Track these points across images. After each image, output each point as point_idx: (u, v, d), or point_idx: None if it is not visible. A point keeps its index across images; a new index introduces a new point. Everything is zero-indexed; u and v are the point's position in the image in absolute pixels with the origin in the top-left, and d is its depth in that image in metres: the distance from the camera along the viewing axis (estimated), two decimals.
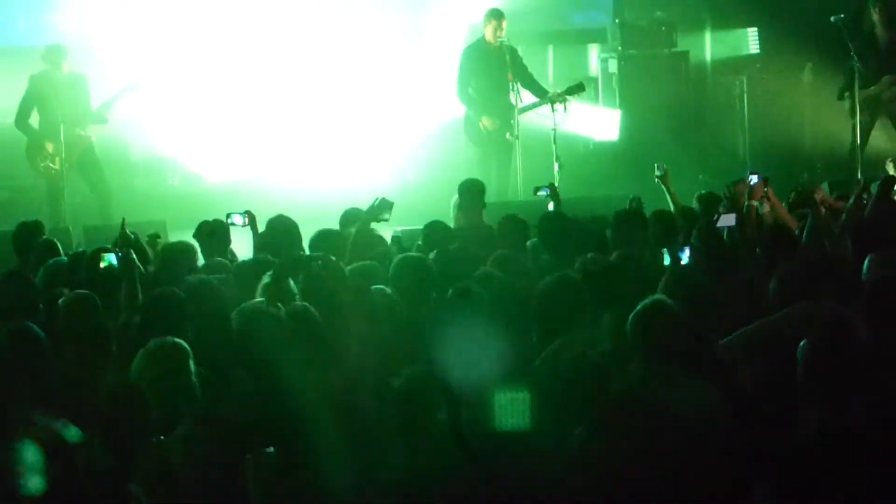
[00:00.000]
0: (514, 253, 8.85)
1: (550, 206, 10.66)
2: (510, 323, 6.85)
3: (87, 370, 6.42)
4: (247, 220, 9.63)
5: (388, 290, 7.58)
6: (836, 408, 5.48)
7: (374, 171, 15.45)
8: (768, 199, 9.61)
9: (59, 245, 9.29)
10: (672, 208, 10.33)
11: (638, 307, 6.17)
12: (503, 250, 8.80)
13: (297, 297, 7.22)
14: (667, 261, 7.98)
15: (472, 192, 10.94)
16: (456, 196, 11.03)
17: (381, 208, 9.68)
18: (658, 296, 6.47)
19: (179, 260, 8.63)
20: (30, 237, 9.59)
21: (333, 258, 7.90)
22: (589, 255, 7.99)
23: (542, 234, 9.16)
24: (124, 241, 8.11)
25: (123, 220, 8.65)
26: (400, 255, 8.16)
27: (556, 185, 11.55)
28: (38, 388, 6.16)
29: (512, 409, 5.51)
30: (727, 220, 8.84)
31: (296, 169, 15.69)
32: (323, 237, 9.24)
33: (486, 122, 13.72)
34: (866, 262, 7.62)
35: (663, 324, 6.08)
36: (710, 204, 9.93)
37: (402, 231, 9.87)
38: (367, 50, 16.29)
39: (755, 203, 9.39)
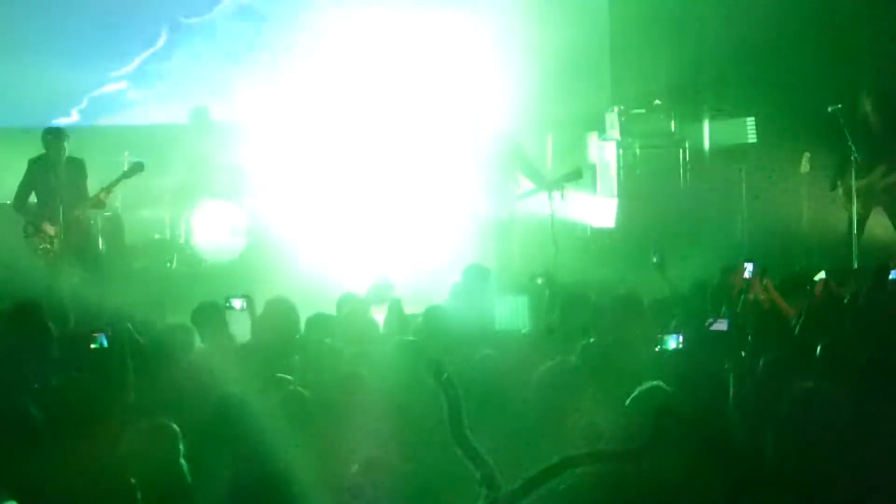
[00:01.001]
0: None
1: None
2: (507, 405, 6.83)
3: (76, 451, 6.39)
4: (245, 304, 9.63)
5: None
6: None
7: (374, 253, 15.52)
8: (766, 292, 9.60)
9: (51, 326, 9.28)
10: (667, 294, 10.34)
11: (635, 392, 6.15)
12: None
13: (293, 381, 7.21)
14: (666, 345, 7.97)
15: (477, 276, 10.93)
16: (458, 280, 11.02)
17: (382, 290, 9.71)
18: (655, 382, 6.45)
19: (176, 341, 8.61)
20: (25, 317, 9.57)
21: (328, 342, 7.90)
22: (590, 340, 8.00)
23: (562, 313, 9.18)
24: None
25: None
26: (396, 339, 8.15)
27: (554, 271, 11.55)
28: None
29: None
30: (720, 325, 8.76)
31: (298, 246, 15.78)
32: (319, 322, 9.25)
33: (481, 207, 13.73)
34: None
35: (660, 408, 6.05)
36: (704, 291, 9.95)
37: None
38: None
39: (750, 296, 9.40)
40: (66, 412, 6.71)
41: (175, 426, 5.84)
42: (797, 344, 8.27)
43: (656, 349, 8.04)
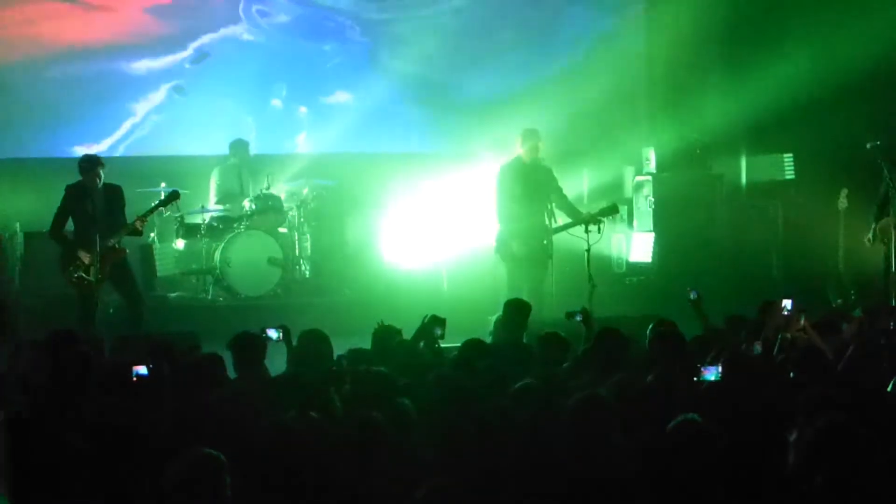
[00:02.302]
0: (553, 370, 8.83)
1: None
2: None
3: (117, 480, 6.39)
4: (282, 334, 9.62)
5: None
6: None
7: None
8: (805, 332, 9.53)
9: (91, 354, 9.29)
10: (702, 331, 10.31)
11: (670, 425, 6.13)
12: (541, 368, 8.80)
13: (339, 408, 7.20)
14: (705, 378, 7.94)
15: (518, 311, 10.91)
16: (498, 314, 11.00)
17: (432, 325, 9.71)
18: (691, 415, 6.42)
19: (208, 371, 8.59)
20: (63, 346, 9.58)
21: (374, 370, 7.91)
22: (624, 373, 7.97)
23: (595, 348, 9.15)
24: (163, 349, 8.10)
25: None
26: (435, 372, 8.13)
27: (591, 307, 11.51)
28: None
29: None
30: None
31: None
32: (355, 355, 9.27)
33: (518, 242, 13.72)
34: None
35: (696, 443, 6.04)
36: (739, 326, 9.91)
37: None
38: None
39: (787, 335, 9.35)
40: (105, 441, 6.70)
41: (221, 456, 5.79)
42: (837, 380, 8.20)
43: (695, 379, 8.01)
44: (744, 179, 17.40)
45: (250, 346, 9.13)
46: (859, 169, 15.37)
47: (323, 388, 7.26)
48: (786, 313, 9.58)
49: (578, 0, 18.71)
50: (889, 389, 7.69)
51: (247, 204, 16.27)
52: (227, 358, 8.89)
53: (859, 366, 8.69)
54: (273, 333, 9.60)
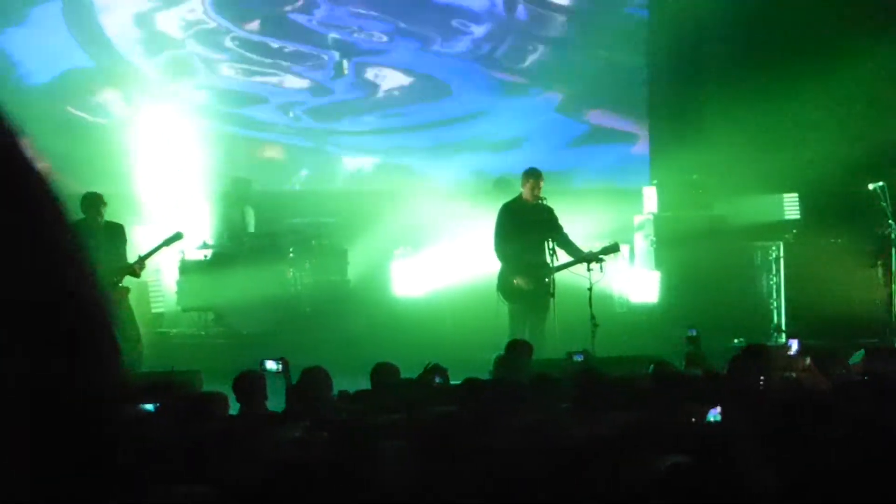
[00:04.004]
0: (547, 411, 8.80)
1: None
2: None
3: None
4: (281, 366, 9.59)
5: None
6: None
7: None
8: (810, 372, 9.55)
9: None
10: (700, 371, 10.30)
11: (662, 465, 6.12)
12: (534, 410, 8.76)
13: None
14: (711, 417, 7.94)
15: (520, 351, 10.93)
16: (499, 352, 11.03)
17: (433, 373, 9.72)
18: (679, 458, 6.40)
19: (210, 409, 8.59)
20: None
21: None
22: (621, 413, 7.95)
23: (577, 390, 9.13)
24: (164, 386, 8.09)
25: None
26: (434, 410, 8.12)
27: (593, 346, 11.52)
28: None
29: None
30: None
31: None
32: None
33: (520, 280, 13.73)
34: None
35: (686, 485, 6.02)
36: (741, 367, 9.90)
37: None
38: None
39: (791, 374, 9.35)
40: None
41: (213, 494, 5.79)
42: (836, 421, 8.18)
43: (693, 420, 8.00)
44: (745, 219, 17.40)
45: (253, 384, 9.13)
46: (861, 210, 15.40)
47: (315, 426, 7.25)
48: (791, 353, 9.60)
49: (578, 39, 18.76)
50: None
51: (248, 240, 16.30)
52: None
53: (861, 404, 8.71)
54: (272, 365, 9.59)
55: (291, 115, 18.20)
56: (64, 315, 1.54)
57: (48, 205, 1.57)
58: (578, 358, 10.95)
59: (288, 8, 18.14)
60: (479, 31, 18.38)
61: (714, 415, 8.01)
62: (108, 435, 1.58)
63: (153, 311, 16.12)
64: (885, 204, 14.35)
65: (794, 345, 9.62)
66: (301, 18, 18.16)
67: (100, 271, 1.63)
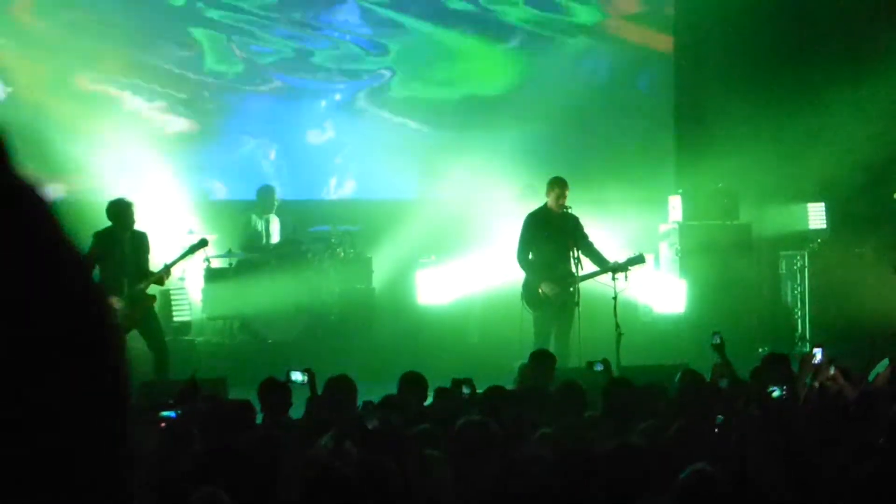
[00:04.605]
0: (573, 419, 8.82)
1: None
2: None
3: None
4: (307, 377, 9.59)
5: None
6: None
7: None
8: (835, 381, 9.53)
9: None
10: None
11: (682, 474, 6.13)
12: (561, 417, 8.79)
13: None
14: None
15: (544, 361, 10.96)
16: (523, 360, 11.05)
17: (459, 385, 9.73)
18: (701, 465, 6.40)
19: (237, 417, 8.61)
20: None
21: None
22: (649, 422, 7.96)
23: (606, 399, 9.14)
24: (191, 392, 8.13)
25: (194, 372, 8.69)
26: (463, 419, 8.13)
27: (618, 355, 11.53)
28: None
29: None
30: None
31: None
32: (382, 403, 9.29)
33: (545, 288, 13.73)
34: None
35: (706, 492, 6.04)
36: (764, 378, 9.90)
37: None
38: None
39: (815, 384, 9.34)
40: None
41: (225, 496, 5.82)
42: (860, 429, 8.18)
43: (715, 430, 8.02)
44: (771, 228, 17.38)
45: (278, 393, 9.15)
46: (887, 219, 15.37)
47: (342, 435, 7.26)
48: (815, 362, 9.60)
49: (606, 52, 18.81)
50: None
51: (273, 249, 16.36)
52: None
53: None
54: (298, 377, 9.58)
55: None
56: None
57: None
58: (598, 367, 10.95)
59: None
60: None
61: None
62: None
63: (175, 319, 16.12)
64: None
65: (819, 353, 9.61)
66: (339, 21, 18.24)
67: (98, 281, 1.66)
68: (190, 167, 17.56)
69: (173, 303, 16.19)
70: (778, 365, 10.01)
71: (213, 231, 15.46)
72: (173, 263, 13.49)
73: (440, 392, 9.79)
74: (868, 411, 8.65)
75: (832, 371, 9.54)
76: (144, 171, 16.72)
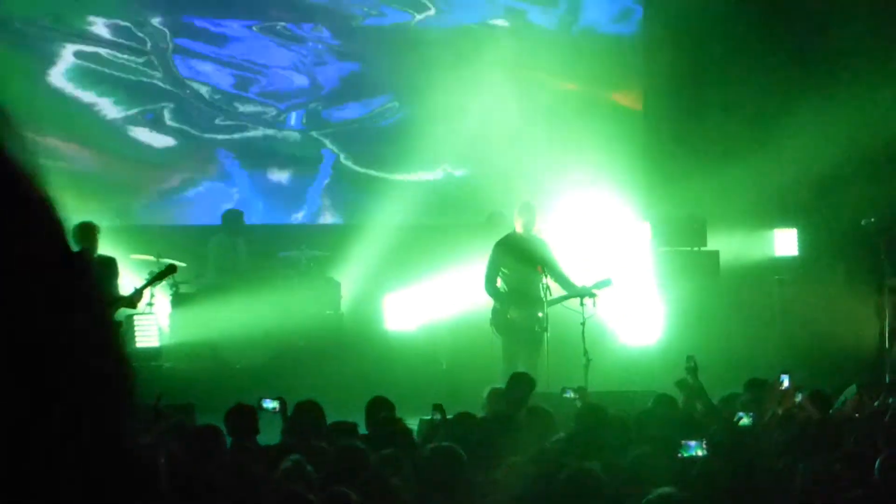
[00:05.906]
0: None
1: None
2: None
3: None
4: (279, 406, 9.56)
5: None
6: None
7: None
8: (802, 409, 9.55)
9: None
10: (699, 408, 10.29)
11: (646, 498, 6.15)
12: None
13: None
14: (688, 452, 7.96)
15: (523, 385, 10.93)
16: (491, 385, 11.02)
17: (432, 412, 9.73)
18: (668, 489, 6.40)
19: (206, 444, 8.57)
20: None
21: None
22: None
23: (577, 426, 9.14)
24: (151, 419, 8.08)
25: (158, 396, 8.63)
26: (430, 445, 8.11)
27: (586, 381, 11.52)
28: None
29: None
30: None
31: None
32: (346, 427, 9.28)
33: (513, 314, 13.72)
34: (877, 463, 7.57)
35: None
36: (734, 403, 9.91)
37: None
38: None
39: (780, 410, 9.37)
40: None
41: None
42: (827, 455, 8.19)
43: (679, 456, 8.04)
44: (740, 255, 17.42)
45: (245, 418, 9.11)
46: (858, 246, 15.42)
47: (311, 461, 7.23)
48: (782, 388, 9.62)
49: (577, 73, 18.86)
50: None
51: (241, 274, 16.32)
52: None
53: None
54: (269, 404, 9.55)
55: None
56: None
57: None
58: (568, 394, 10.95)
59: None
60: None
61: (698, 447, 8.02)
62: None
63: (137, 345, 15.89)
64: (878, 240, 14.36)
65: (786, 380, 9.63)
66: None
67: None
68: (159, 192, 17.52)
69: (136, 328, 16.04)
70: (757, 390, 10.02)
71: (180, 257, 15.35)
72: (144, 287, 13.37)
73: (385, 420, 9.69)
74: (829, 439, 8.66)
75: (798, 398, 9.56)
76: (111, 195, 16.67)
